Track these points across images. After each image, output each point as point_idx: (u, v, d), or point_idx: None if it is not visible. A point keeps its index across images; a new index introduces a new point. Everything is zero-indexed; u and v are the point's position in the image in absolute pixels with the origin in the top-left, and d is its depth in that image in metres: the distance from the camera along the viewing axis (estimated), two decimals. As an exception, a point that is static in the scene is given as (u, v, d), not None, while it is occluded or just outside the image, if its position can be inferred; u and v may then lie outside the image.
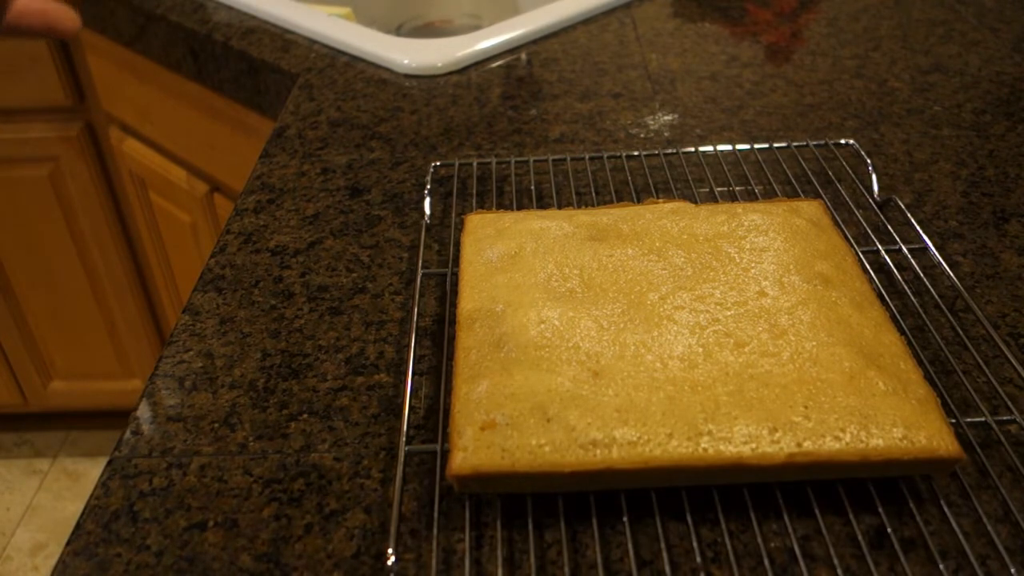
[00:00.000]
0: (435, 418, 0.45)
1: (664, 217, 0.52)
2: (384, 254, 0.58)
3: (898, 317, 0.49)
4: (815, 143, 0.66)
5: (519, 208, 0.61)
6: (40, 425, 1.80)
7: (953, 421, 0.43)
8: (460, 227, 0.59)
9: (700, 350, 0.42)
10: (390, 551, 0.37)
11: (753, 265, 0.47)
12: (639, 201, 0.62)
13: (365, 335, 0.51)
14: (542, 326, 0.43)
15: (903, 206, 0.58)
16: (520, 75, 0.80)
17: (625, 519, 0.39)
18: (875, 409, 0.39)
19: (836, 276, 0.47)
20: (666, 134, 0.70)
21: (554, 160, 0.66)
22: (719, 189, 0.63)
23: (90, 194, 1.35)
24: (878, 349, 0.42)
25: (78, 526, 0.40)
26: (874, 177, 0.61)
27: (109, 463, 0.44)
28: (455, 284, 0.54)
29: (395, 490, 0.41)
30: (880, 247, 0.55)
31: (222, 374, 0.48)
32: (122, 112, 1.20)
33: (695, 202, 0.59)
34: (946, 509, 0.39)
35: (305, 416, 0.46)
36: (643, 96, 0.76)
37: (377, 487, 0.42)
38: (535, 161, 0.65)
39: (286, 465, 0.43)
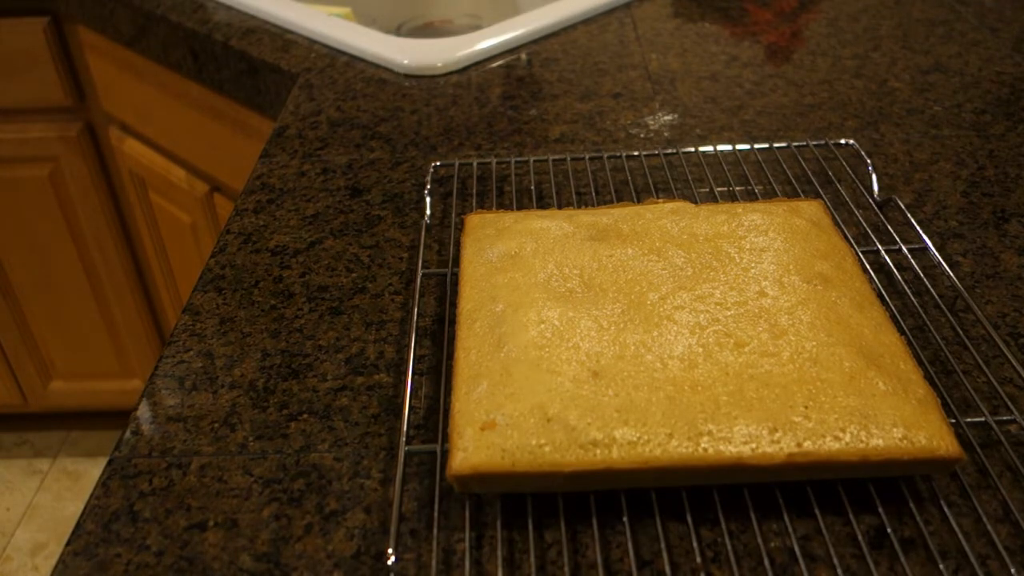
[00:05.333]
0: (435, 418, 0.45)
1: (664, 217, 0.52)
2: (384, 254, 0.57)
3: (898, 317, 0.49)
4: (815, 143, 0.66)
5: (519, 208, 0.61)
6: (40, 425, 1.80)
7: (953, 421, 0.43)
8: (460, 227, 0.59)
9: (700, 350, 0.42)
10: (390, 551, 0.37)
11: (753, 265, 0.47)
12: (639, 201, 0.62)
13: (365, 335, 0.51)
14: (542, 326, 0.43)
15: (903, 206, 0.58)
16: (520, 75, 0.80)
17: (625, 519, 0.39)
18: (875, 409, 0.39)
19: (836, 276, 0.47)
20: (666, 134, 0.70)
21: (554, 160, 0.66)
22: (719, 189, 0.63)
23: (90, 194, 1.35)
24: (878, 349, 0.42)
25: (78, 526, 0.40)
26: (874, 177, 0.61)
27: (109, 463, 0.44)
28: (455, 284, 0.54)
29: (395, 490, 0.41)
30: (880, 247, 0.55)
31: (222, 374, 0.48)
32: (122, 112, 1.20)
33: (695, 202, 0.59)
34: (946, 509, 0.39)
35: (305, 416, 0.46)
36: (643, 96, 0.76)
37: (377, 487, 0.42)
38: (535, 161, 0.65)
39: (286, 465, 0.43)
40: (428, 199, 0.61)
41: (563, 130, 0.71)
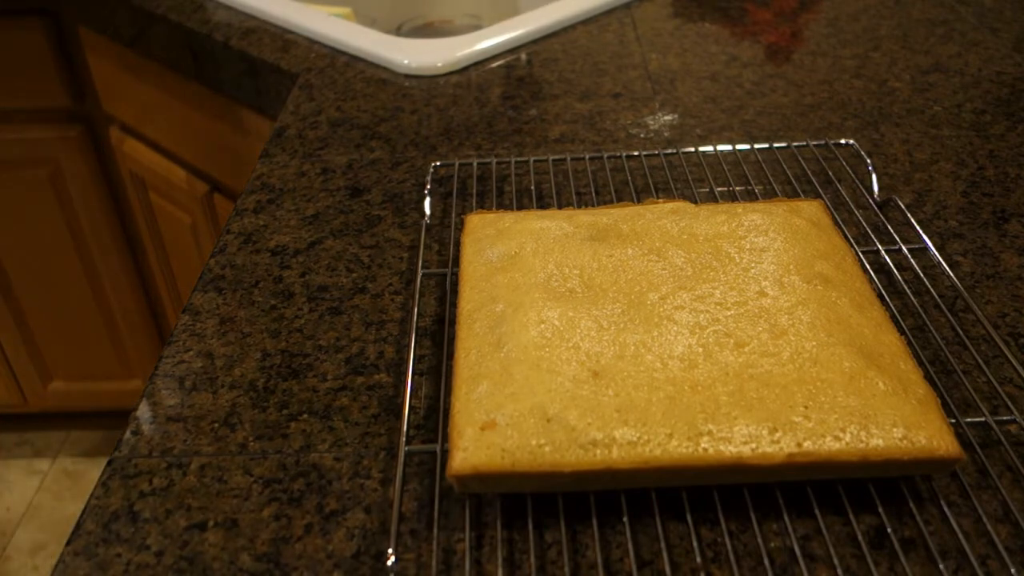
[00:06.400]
0: (435, 418, 0.45)
1: (664, 217, 0.52)
2: (384, 254, 0.58)
3: (898, 317, 0.49)
4: (815, 143, 0.66)
5: (519, 208, 0.61)
6: (40, 425, 1.80)
7: (953, 421, 0.43)
8: (460, 227, 0.59)
9: (700, 350, 0.42)
10: (390, 551, 0.37)
11: (753, 265, 0.47)
12: (639, 201, 0.62)
13: (365, 335, 0.51)
14: (542, 326, 0.43)
15: (903, 206, 0.58)
16: (520, 75, 0.80)
17: (625, 519, 0.39)
18: (875, 409, 0.39)
19: (836, 276, 0.47)
20: (666, 134, 0.70)
21: (554, 160, 0.66)
22: (719, 189, 0.63)
23: (90, 194, 1.35)
24: (878, 349, 0.42)
25: (78, 526, 0.40)
26: (874, 177, 0.61)
27: (109, 463, 0.44)
28: (455, 284, 0.54)
29: (395, 490, 0.41)
30: (880, 247, 0.55)
31: (222, 374, 0.48)
32: (122, 112, 1.20)
33: (695, 202, 0.59)
34: (946, 509, 0.39)
35: (305, 416, 0.46)
36: (643, 96, 0.76)
37: (377, 487, 0.42)
38: (535, 161, 0.65)
39: (286, 465, 0.43)
40: (428, 199, 0.61)
41: (563, 130, 0.71)
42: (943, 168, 0.64)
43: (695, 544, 0.38)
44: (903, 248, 0.55)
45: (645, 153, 0.65)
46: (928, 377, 0.46)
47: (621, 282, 0.47)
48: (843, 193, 0.61)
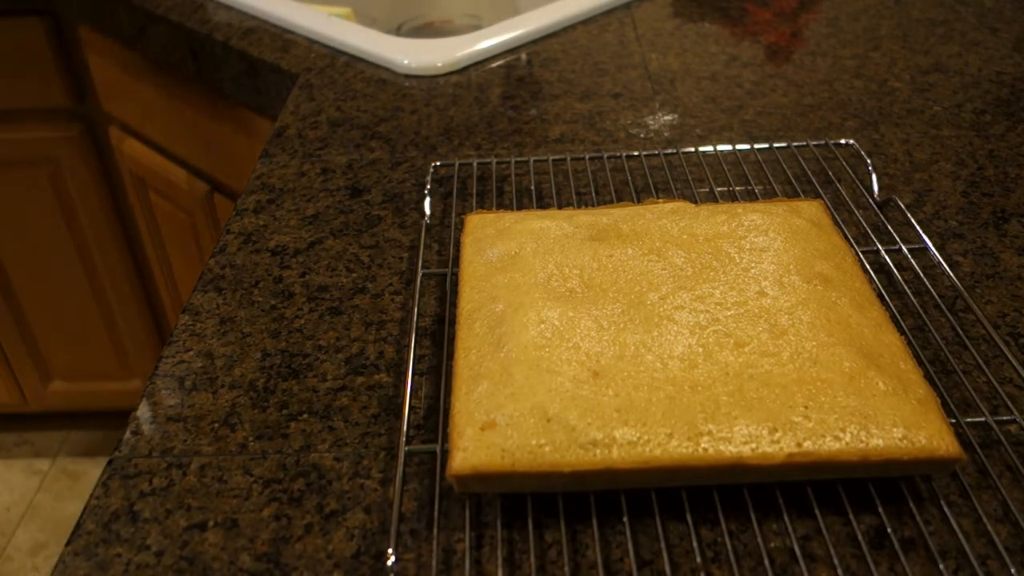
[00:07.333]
0: (435, 418, 0.45)
1: (664, 217, 0.52)
2: (384, 254, 0.58)
3: (898, 317, 0.49)
4: (815, 143, 0.66)
5: (519, 208, 0.61)
6: (40, 425, 1.80)
7: (953, 421, 0.43)
8: (460, 227, 0.59)
9: (700, 350, 0.42)
10: (390, 551, 0.37)
11: (753, 265, 0.47)
12: (639, 201, 0.62)
13: (365, 335, 0.51)
14: (542, 326, 0.43)
15: (903, 206, 0.58)
16: (520, 75, 0.80)
17: (625, 519, 0.39)
18: (875, 409, 0.39)
19: (836, 276, 0.47)
20: (666, 134, 0.70)
21: (554, 160, 0.66)
22: (719, 189, 0.63)
23: (90, 194, 1.35)
24: (878, 349, 0.42)
25: (78, 526, 0.40)
26: (874, 177, 0.61)
27: (109, 463, 0.44)
28: (455, 284, 0.54)
29: (395, 490, 0.41)
30: (880, 247, 0.55)
31: (222, 374, 0.48)
32: (122, 112, 1.20)
33: (695, 202, 0.59)
34: (946, 509, 0.39)
35: (305, 416, 0.46)
36: (643, 96, 0.76)
37: (377, 487, 0.42)
38: (535, 161, 0.65)
39: (286, 465, 0.43)
40: (428, 199, 0.61)
41: (563, 130, 0.71)
42: (943, 168, 0.64)
43: (695, 544, 0.38)
44: (903, 248, 0.55)
45: (645, 153, 0.65)
46: (928, 377, 0.46)
47: (621, 282, 0.47)
48: (843, 193, 0.61)
